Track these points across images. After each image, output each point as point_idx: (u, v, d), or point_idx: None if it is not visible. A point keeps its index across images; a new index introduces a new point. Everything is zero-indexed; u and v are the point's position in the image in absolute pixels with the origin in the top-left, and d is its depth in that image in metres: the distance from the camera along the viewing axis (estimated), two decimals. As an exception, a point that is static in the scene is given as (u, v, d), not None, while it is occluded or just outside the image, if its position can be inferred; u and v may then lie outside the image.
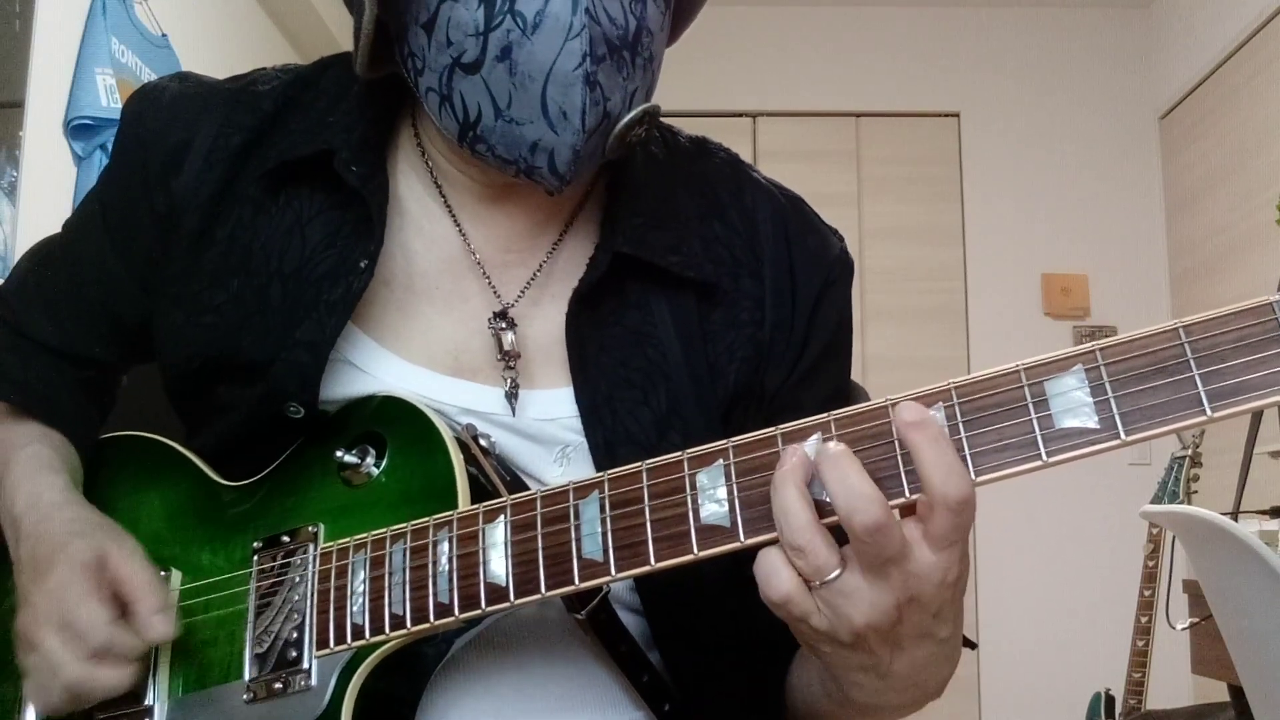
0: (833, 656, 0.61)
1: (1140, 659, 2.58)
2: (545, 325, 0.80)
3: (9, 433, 0.85)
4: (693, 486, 0.60)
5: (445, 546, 0.66)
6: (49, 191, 2.19)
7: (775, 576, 0.56)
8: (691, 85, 4.13)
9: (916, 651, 0.60)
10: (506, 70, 0.69)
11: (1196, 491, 2.53)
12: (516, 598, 0.63)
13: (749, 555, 0.59)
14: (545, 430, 0.78)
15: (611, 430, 0.77)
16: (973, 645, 0.73)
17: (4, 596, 0.82)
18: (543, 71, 0.69)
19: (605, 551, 0.61)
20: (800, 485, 0.55)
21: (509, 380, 0.79)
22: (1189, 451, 2.54)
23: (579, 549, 0.62)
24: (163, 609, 0.72)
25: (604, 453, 0.76)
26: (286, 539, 0.73)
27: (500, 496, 0.67)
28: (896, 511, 0.55)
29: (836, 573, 0.55)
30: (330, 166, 0.77)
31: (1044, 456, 0.54)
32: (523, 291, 0.81)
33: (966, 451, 0.55)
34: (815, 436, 0.57)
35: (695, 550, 0.59)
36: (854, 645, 0.58)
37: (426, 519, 0.68)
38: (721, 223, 0.84)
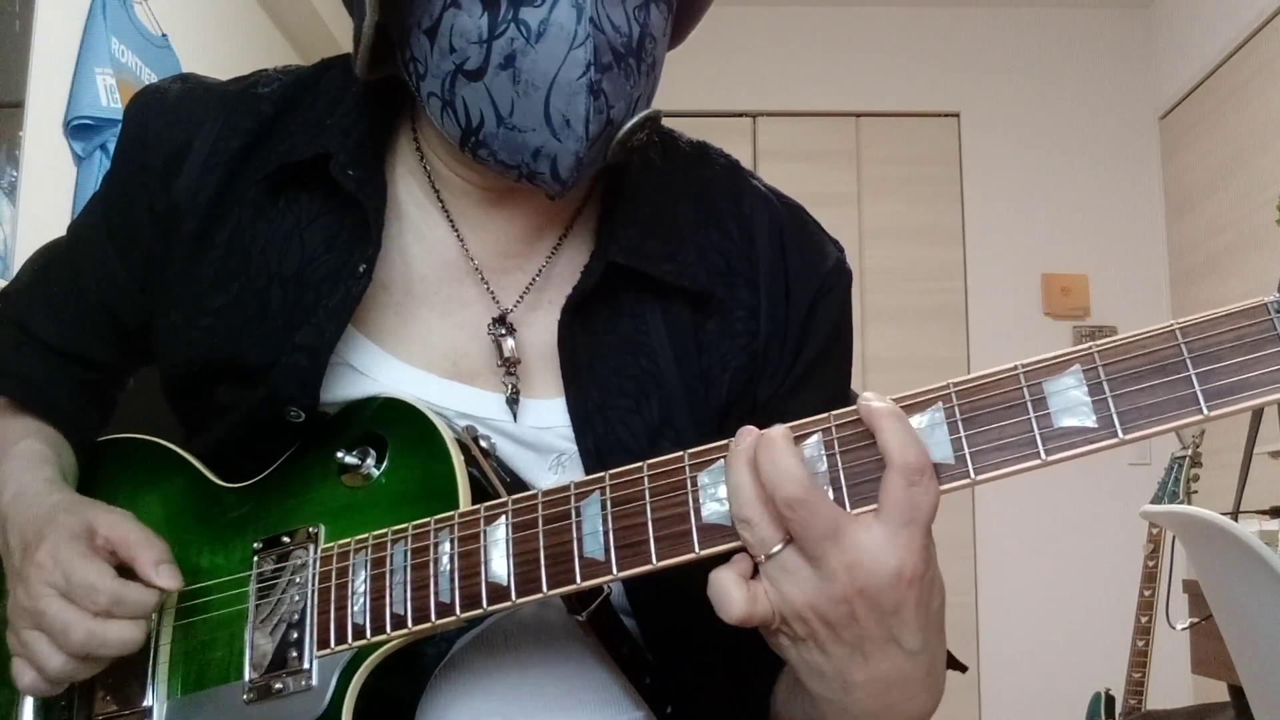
0: (793, 654, 0.60)
1: (1140, 659, 2.58)
2: (541, 332, 0.80)
3: (3, 427, 0.86)
4: (694, 486, 0.60)
5: (446, 546, 0.66)
6: (49, 191, 2.19)
7: (726, 600, 0.58)
8: (691, 85, 4.13)
9: (881, 662, 0.58)
10: (510, 78, 0.69)
11: (1196, 491, 2.53)
12: (518, 597, 0.63)
13: None
14: (541, 438, 0.79)
15: (603, 439, 0.77)
16: (962, 668, 0.72)
17: None
18: (546, 80, 0.69)
19: (607, 551, 0.61)
20: (751, 464, 0.58)
21: (510, 386, 0.79)
22: (1189, 451, 2.54)
23: (580, 548, 0.62)
24: (164, 560, 0.71)
25: (595, 460, 0.76)
26: (287, 540, 0.73)
27: (500, 497, 0.67)
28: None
29: (779, 547, 0.57)
30: (328, 170, 0.77)
31: (1043, 455, 0.54)
32: (521, 297, 0.81)
33: (966, 450, 0.56)
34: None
35: (697, 549, 0.59)
36: (807, 637, 0.58)
37: (428, 519, 0.68)
38: (718, 231, 0.83)
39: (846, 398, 0.90)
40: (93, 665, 0.71)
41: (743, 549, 0.59)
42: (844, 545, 0.55)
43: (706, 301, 0.81)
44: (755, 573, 0.59)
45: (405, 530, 0.68)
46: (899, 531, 0.55)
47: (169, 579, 0.71)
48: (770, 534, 0.57)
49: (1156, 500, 2.56)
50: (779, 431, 0.58)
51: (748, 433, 0.59)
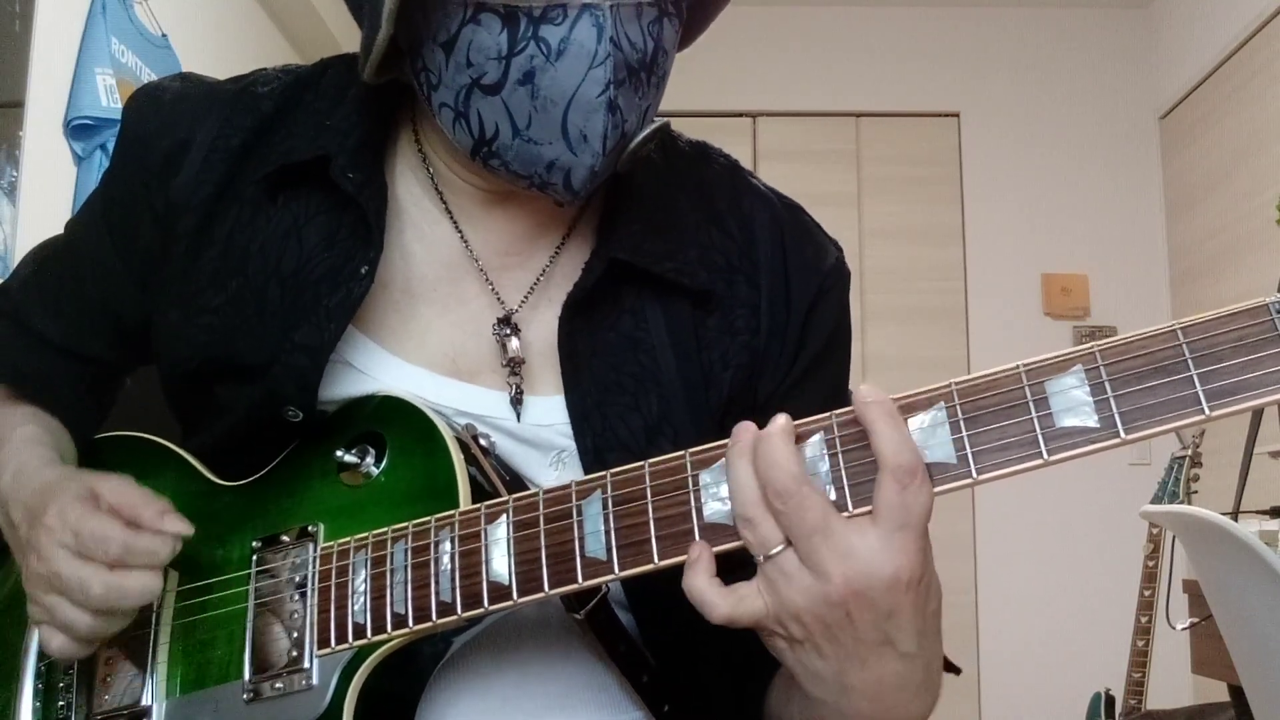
0: (790, 657, 0.60)
1: (1140, 659, 2.58)
2: (544, 330, 0.80)
3: (2, 415, 0.85)
4: (695, 485, 0.60)
5: (447, 545, 0.66)
6: (49, 191, 2.19)
7: (706, 605, 0.59)
8: (691, 85, 4.12)
9: (879, 666, 0.58)
10: (528, 94, 0.70)
11: (1196, 491, 2.53)
12: (520, 596, 0.63)
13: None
14: (541, 435, 0.78)
15: (601, 435, 0.77)
16: (956, 670, 0.72)
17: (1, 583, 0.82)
18: (565, 96, 0.69)
19: (608, 550, 0.61)
20: (751, 461, 0.58)
21: (514, 386, 0.78)
22: (1189, 451, 2.54)
23: (582, 547, 0.62)
24: (167, 510, 0.71)
25: (593, 458, 0.76)
26: (286, 538, 0.73)
27: (500, 496, 0.67)
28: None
29: (780, 548, 0.57)
30: (328, 171, 0.77)
31: (1045, 455, 0.54)
32: (526, 296, 0.81)
33: (968, 450, 0.55)
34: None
35: (698, 548, 0.59)
36: (804, 639, 0.58)
37: (428, 518, 0.68)
38: (719, 230, 0.84)
39: (845, 396, 0.90)
40: (119, 620, 0.71)
41: (743, 548, 0.59)
42: (837, 546, 0.56)
43: (707, 299, 0.81)
44: (736, 571, 0.59)
45: (405, 529, 0.68)
46: (894, 535, 0.55)
47: (176, 524, 0.71)
48: (771, 534, 0.57)
49: (1156, 500, 2.56)
50: (778, 425, 0.58)
51: (745, 429, 0.59)
